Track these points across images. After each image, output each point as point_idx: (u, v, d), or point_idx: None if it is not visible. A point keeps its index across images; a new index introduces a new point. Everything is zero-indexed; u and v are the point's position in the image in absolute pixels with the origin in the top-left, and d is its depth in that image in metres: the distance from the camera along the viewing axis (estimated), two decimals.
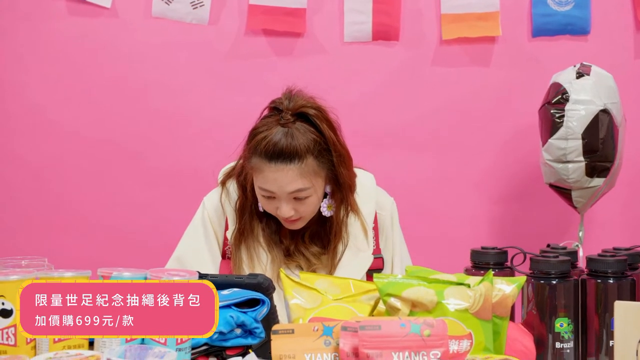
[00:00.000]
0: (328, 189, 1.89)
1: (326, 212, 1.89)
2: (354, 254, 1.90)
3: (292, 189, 1.79)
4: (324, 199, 1.89)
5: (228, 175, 1.97)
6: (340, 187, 1.87)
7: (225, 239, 1.94)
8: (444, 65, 2.78)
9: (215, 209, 1.96)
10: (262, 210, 1.90)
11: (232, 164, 1.97)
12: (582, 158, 2.32)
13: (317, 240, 1.93)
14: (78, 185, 2.76)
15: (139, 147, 2.76)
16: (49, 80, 2.75)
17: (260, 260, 1.89)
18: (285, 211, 1.81)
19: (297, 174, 1.78)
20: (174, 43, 2.76)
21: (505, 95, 2.79)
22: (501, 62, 2.78)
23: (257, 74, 2.74)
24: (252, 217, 1.92)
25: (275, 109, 1.84)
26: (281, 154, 1.77)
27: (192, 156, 2.76)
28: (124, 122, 2.76)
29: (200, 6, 2.70)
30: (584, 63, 2.41)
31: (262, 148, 1.78)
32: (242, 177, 1.89)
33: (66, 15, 2.74)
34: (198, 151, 2.76)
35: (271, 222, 1.93)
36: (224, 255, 1.95)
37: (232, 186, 1.96)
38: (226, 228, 1.94)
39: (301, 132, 1.79)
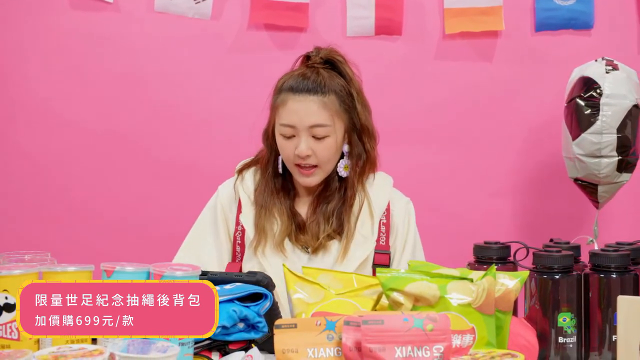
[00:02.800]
0: (346, 149, 1.93)
1: (342, 172, 1.94)
2: (361, 242, 1.92)
3: (312, 122, 1.86)
4: (341, 159, 1.93)
5: (245, 165, 2.03)
6: (361, 136, 1.94)
7: (237, 223, 1.97)
8: (446, 60, 2.78)
9: (228, 195, 2.00)
10: (281, 182, 1.96)
11: (249, 159, 2.03)
12: (615, 153, 2.30)
13: (332, 218, 1.95)
14: (81, 178, 2.77)
15: (142, 140, 2.76)
16: (52, 73, 2.75)
17: (271, 227, 1.93)
18: (303, 148, 1.86)
19: (319, 106, 1.86)
20: (177, 37, 2.76)
21: (508, 90, 2.79)
22: (504, 56, 2.78)
23: (259, 68, 2.74)
24: (274, 176, 1.97)
25: (305, 57, 1.98)
26: (305, 86, 1.87)
27: (195, 149, 2.77)
28: (127, 116, 2.76)
29: (203, 1, 2.70)
30: (607, 57, 2.39)
31: (287, 83, 1.89)
32: (268, 133, 1.97)
33: (69, 9, 2.74)
34: (201, 144, 2.77)
35: (288, 195, 1.98)
36: (234, 241, 1.97)
37: (248, 174, 2.01)
38: (239, 211, 1.97)
39: (328, 74, 1.91)
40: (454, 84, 2.78)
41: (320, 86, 1.87)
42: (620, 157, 2.31)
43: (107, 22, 2.74)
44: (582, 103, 2.33)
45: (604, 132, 2.29)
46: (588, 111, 2.32)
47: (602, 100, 2.30)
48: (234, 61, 2.77)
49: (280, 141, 1.91)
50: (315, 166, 1.90)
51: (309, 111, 1.86)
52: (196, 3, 2.71)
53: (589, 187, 2.40)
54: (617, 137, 2.30)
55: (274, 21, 2.72)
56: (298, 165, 1.90)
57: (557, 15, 2.74)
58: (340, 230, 1.93)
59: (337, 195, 1.95)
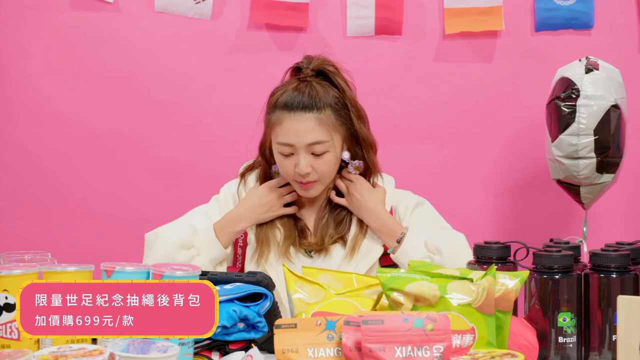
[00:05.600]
0: (346, 156, 1.91)
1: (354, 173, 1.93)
2: (370, 245, 1.91)
3: (310, 140, 1.83)
4: (348, 165, 1.93)
5: (248, 168, 2.03)
6: (360, 146, 1.91)
7: None
8: (447, 60, 2.77)
9: (232, 196, 2.01)
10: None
11: (252, 161, 2.03)
12: (593, 154, 2.28)
13: (344, 224, 1.95)
14: (82, 177, 2.76)
15: (142, 140, 2.76)
16: (52, 73, 2.75)
17: (274, 236, 1.93)
18: (303, 166, 1.84)
19: (315, 123, 1.83)
20: (177, 37, 2.76)
21: (508, 90, 2.78)
22: (504, 56, 2.77)
23: (259, 68, 2.74)
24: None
25: (296, 69, 1.93)
26: (300, 103, 1.83)
27: (195, 148, 2.77)
28: (127, 116, 2.76)
29: (203, 1, 2.70)
30: (590, 57, 2.39)
31: (282, 100, 1.85)
32: (264, 147, 1.95)
33: (69, 9, 2.74)
34: (202, 143, 2.77)
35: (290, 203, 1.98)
36: (235, 243, 1.97)
37: (251, 178, 2.00)
38: None
39: (320, 86, 1.87)
40: (454, 84, 2.78)
41: (316, 102, 1.84)
42: (599, 158, 2.30)
43: (107, 22, 2.74)
44: (560, 104, 2.33)
45: (581, 134, 2.28)
46: (566, 112, 2.31)
47: (579, 102, 2.29)
48: (234, 61, 2.77)
49: (279, 159, 1.89)
50: (315, 181, 1.89)
51: (307, 129, 1.83)
52: (196, 3, 2.71)
53: (572, 189, 2.40)
54: (595, 138, 2.28)
55: (274, 21, 2.72)
56: (297, 180, 1.89)
57: (557, 15, 2.74)
58: (345, 234, 1.93)
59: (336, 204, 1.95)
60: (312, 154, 1.84)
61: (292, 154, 1.85)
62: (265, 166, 1.96)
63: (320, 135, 1.83)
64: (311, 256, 1.92)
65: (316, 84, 1.87)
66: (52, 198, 2.77)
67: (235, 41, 2.77)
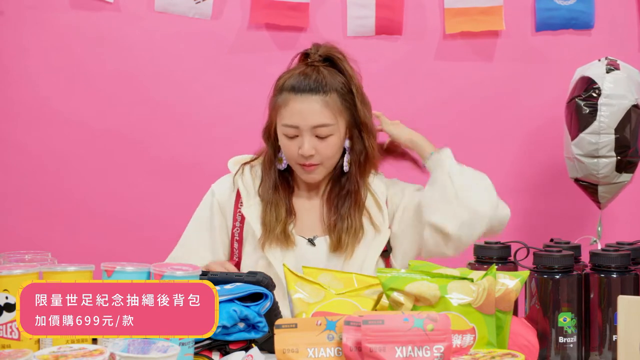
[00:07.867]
0: (347, 144, 1.93)
1: (347, 167, 1.94)
2: (373, 236, 1.92)
3: (315, 122, 1.85)
4: (345, 155, 1.93)
5: (244, 161, 2.02)
6: (362, 132, 1.93)
7: (235, 219, 1.96)
8: (447, 60, 2.78)
9: (225, 192, 1.99)
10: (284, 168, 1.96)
11: (245, 156, 2.02)
12: (613, 153, 2.29)
13: (353, 218, 1.94)
14: (82, 177, 2.77)
15: (142, 140, 2.76)
16: (52, 72, 2.75)
17: (278, 222, 1.92)
18: (306, 148, 1.85)
19: (321, 106, 1.86)
20: (177, 37, 2.76)
21: (508, 90, 2.79)
22: (504, 56, 2.77)
23: (259, 68, 2.74)
24: (280, 172, 1.97)
25: (304, 54, 1.97)
26: (307, 86, 1.86)
27: (196, 148, 2.77)
28: (127, 115, 2.77)
29: (203, 0, 2.70)
30: (610, 57, 2.39)
31: (288, 83, 1.88)
32: (269, 132, 1.95)
33: (69, 9, 2.75)
34: (202, 143, 2.77)
35: (294, 190, 1.98)
36: (232, 237, 1.96)
37: (247, 169, 2.00)
38: (237, 206, 1.96)
39: (328, 71, 1.91)
40: (454, 84, 2.78)
41: (322, 85, 1.86)
42: (619, 158, 2.30)
43: (107, 22, 2.75)
44: (581, 103, 2.33)
45: (601, 133, 2.29)
46: (587, 111, 2.31)
47: (601, 101, 2.29)
48: (234, 61, 2.77)
49: (283, 141, 1.90)
50: (318, 164, 1.90)
51: (312, 111, 1.85)
52: (196, 3, 2.71)
53: (590, 188, 2.40)
54: (615, 137, 2.29)
55: (274, 21, 2.72)
56: (300, 163, 1.90)
57: (558, 15, 2.74)
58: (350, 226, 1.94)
59: (351, 194, 1.95)
60: (317, 136, 1.86)
61: (297, 136, 1.87)
62: (270, 152, 1.96)
63: (326, 117, 1.86)
64: (314, 244, 1.92)
65: (323, 69, 1.90)
66: (52, 198, 2.77)
67: (235, 41, 2.77)
